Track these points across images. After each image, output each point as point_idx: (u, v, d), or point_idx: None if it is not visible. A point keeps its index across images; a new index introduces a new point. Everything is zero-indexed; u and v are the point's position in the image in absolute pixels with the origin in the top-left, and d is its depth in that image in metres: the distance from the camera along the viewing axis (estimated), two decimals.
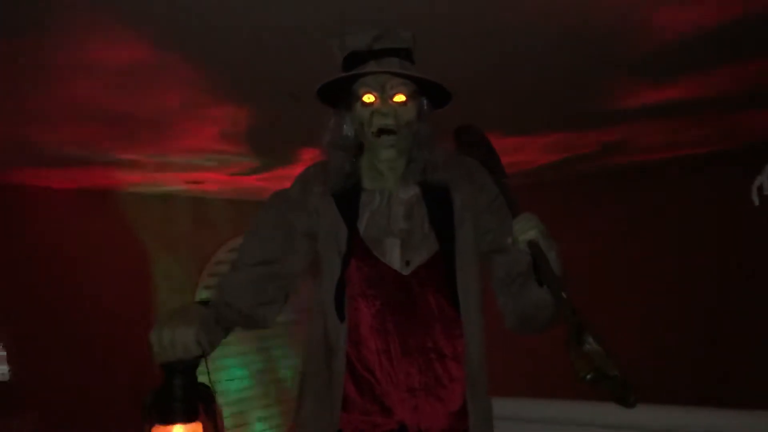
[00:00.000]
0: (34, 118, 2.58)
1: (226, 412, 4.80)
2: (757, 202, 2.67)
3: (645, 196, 4.77)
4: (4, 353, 3.64)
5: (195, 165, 3.72)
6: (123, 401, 4.03)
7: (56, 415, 3.72)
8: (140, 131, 2.92)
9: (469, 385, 1.40)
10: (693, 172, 4.51)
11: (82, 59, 2.00)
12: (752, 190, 2.67)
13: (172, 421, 1.12)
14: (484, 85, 2.53)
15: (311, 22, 1.81)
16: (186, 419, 1.13)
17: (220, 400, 4.76)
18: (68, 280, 3.93)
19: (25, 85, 2.21)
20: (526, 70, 2.41)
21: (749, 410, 2.16)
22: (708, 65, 2.49)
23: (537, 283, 1.32)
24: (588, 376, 0.99)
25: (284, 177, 3.91)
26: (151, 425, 1.13)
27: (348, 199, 1.45)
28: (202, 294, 4.72)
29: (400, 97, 1.40)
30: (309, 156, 3.45)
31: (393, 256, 1.41)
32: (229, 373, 4.87)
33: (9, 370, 3.65)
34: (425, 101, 1.48)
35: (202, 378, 1.22)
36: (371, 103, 1.41)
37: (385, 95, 1.40)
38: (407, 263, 1.40)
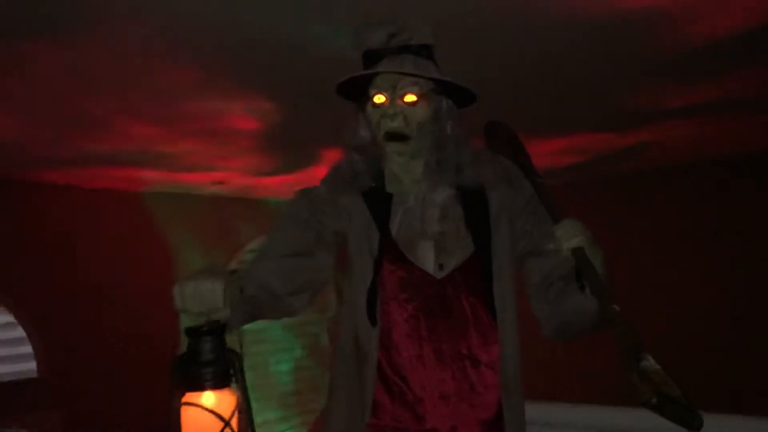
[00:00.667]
0: (71, 120, 2.62)
1: None
2: None
3: (666, 200, 4.70)
4: (32, 351, 3.72)
5: (219, 165, 3.75)
6: (149, 398, 4.08)
7: (83, 411, 3.77)
8: (172, 133, 2.95)
9: (504, 393, 1.35)
10: (717, 177, 4.43)
11: (123, 68, 2.03)
12: None
13: (202, 388, 1.04)
14: (511, 85, 2.51)
15: (340, 24, 1.80)
16: (216, 385, 1.05)
17: None
18: (95, 278, 3.99)
19: (65, 88, 2.25)
20: (551, 71, 2.39)
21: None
22: (735, 68, 2.44)
23: (579, 289, 1.27)
24: (653, 400, 0.92)
25: (307, 177, 3.92)
26: (180, 392, 1.06)
27: (380, 200, 1.41)
28: None
29: (410, 97, 1.35)
30: (332, 157, 3.45)
31: (427, 260, 1.36)
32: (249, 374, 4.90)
33: (37, 367, 3.72)
34: (445, 101, 1.42)
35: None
36: (382, 104, 1.37)
37: (395, 95, 1.36)
38: (441, 267, 1.35)
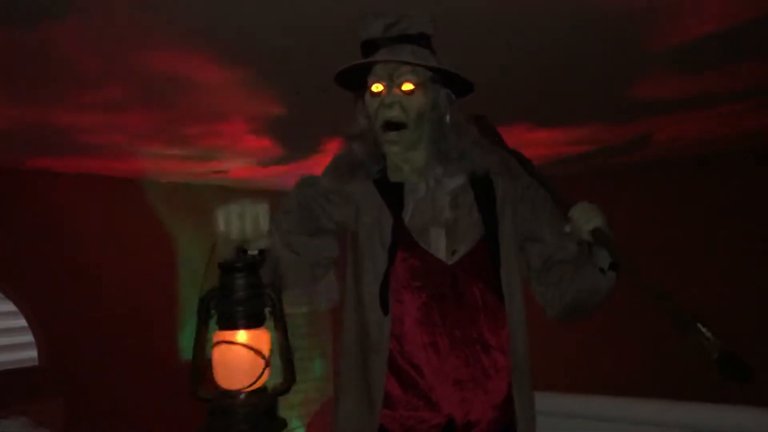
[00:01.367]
0: (64, 106, 2.60)
1: None
2: None
3: (673, 191, 4.69)
4: (33, 339, 3.72)
5: (222, 155, 3.74)
6: (149, 385, 4.10)
7: (84, 399, 3.78)
8: (171, 123, 2.94)
9: (514, 376, 1.37)
10: (727, 168, 4.42)
11: (119, 56, 2.01)
12: None
13: (235, 326, 0.97)
14: (510, 76, 2.49)
15: (338, 17, 1.78)
16: (251, 324, 0.97)
17: None
18: (95, 267, 3.99)
19: (59, 74, 2.23)
20: (553, 62, 2.37)
21: None
22: (739, 59, 2.42)
23: (593, 269, 1.31)
24: (716, 355, 0.99)
25: (309, 167, 3.91)
26: (204, 331, 0.99)
27: (392, 189, 1.41)
28: None
29: (408, 86, 1.35)
30: (334, 147, 3.44)
31: (439, 246, 1.37)
32: None
33: (38, 356, 3.73)
34: (443, 90, 1.42)
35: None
36: (379, 93, 1.37)
37: (392, 84, 1.36)
38: (453, 253, 1.36)
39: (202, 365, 1.00)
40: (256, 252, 1.05)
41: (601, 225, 1.24)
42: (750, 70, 2.56)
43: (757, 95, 2.96)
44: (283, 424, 0.98)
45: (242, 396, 0.96)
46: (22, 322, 3.71)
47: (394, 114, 1.35)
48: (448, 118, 1.42)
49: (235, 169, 4.19)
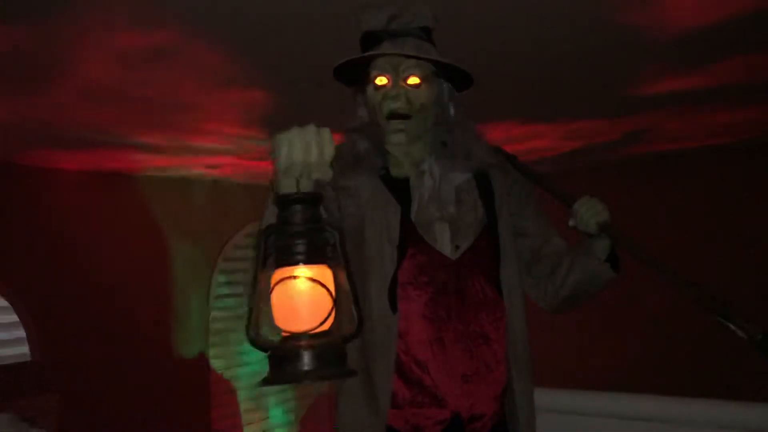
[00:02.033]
0: (53, 100, 2.57)
1: (240, 395, 4.82)
2: None
3: (668, 186, 4.70)
4: (25, 334, 3.69)
5: (214, 149, 3.71)
6: (143, 380, 4.08)
7: (78, 395, 3.74)
8: (161, 116, 2.91)
9: (515, 367, 1.39)
10: (719, 162, 4.42)
11: (105, 42, 1.98)
12: None
13: (294, 262, 0.89)
14: (504, 71, 2.49)
15: (334, 8, 1.76)
16: (315, 259, 0.90)
17: (236, 384, 4.79)
18: (87, 261, 3.95)
19: (45, 68, 2.20)
20: (546, 56, 2.36)
21: None
22: (733, 53, 2.43)
23: (595, 260, 1.37)
24: (760, 336, 1.01)
25: None
26: (265, 272, 0.92)
27: (397, 184, 1.40)
28: (221, 278, 4.74)
29: (413, 80, 1.35)
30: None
31: (444, 241, 1.37)
32: (246, 358, 4.88)
33: (30, 351, 3.71)
34: (445, 84, 1.43)
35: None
36: (383, 86, 1.37)
37: (398, 77, 1.36)
38: (456, 248, 1.37)
39: (258, 312, 0.92)
40: (310, 188, 0.95)
41: (608, 217, 1.30)
42: (748, 64, 2.56)
43: (753, 90, 2.96)
44: (353, 371, 0.91)
45: (308, 339, 0.87)
46: (14, 317, 3.67)
47: (400, 105, 1.35)
48: (451, 111, 1.43)
49: (229, 164, 4.16)
